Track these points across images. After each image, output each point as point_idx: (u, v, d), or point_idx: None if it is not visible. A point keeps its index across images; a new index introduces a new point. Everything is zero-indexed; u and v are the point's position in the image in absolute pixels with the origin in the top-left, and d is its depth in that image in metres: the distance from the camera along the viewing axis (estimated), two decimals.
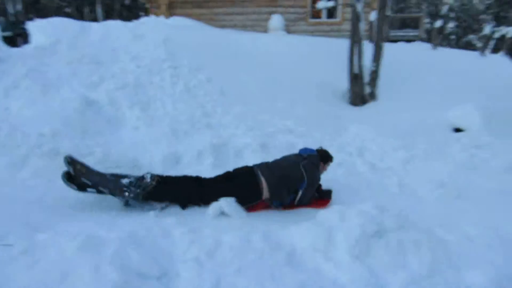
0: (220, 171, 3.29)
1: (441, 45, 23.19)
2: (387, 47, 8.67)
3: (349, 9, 8.74)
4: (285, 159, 3.31)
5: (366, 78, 7.44)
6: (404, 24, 16.97)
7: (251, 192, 2.95)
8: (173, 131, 4.86)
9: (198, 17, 12.10)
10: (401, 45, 11.87)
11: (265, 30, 12.17)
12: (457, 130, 6.49)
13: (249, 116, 5.82)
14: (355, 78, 7.37)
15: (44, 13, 21.83)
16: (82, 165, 2.78)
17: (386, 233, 2.32)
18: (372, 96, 7.42)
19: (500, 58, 12.38)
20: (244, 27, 12.60)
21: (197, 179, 3.00)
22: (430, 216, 3.26)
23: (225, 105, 6.06)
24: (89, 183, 2.71)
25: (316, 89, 7.65)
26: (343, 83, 7.76)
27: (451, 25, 27.40)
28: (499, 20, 26.38)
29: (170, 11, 12.64)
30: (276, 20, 12.01)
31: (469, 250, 2.54)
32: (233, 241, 2.23)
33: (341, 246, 2.21)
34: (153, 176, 2.86)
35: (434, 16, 27.37)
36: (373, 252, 2.24)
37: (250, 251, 2.20)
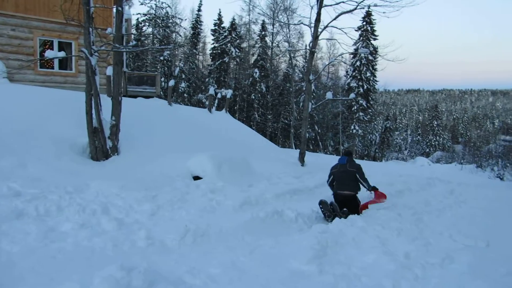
0: None
1: (176, 102, 25.57)
2: (127, 102, 8.81)
3: (84, 62, 8.40)
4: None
5: (107, 132, 7.24)
6: (142, 81, 17.78)
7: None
8: None
9: None
10: (140, 100, 12.31)
11: None
12: (196, 178, 7.12)
13: None
14: (95, 132, 7.06)
15: None
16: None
17: None
18: (114, 150, 7.26)
19: (224, 114, 14.65)
20: None
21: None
22: (179, 264, 3.31)
23: None
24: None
25: (52, 144, 6.87)
26: (83, 137, 7.28)
27: (183, 84, 30.80)
28: (220, 84, 31.58)
29: None
30: None
31: None
32: None
33: None
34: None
35: (168, 76, 30.13)
36: None
37: None
